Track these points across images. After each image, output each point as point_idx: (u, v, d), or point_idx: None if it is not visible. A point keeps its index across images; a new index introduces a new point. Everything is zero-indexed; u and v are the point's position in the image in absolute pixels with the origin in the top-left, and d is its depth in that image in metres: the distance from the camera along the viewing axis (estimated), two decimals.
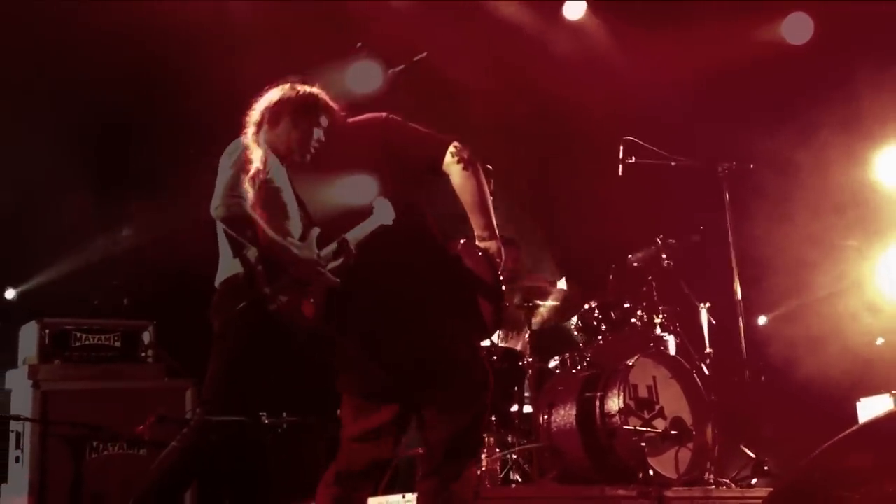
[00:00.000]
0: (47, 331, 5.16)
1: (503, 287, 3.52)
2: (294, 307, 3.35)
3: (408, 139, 3.55)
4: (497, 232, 3.56)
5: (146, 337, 5.38)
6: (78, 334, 5.23)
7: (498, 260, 3.51)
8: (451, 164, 3.49)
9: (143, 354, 5.33)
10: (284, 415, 5.84)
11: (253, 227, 3.34)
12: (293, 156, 3.63)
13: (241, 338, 3.46)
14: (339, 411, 3.63)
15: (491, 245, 3.51)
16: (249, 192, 3.40)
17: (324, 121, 3.62)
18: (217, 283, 3.59)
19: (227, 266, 3.52)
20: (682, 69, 7.49)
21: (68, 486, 4.47)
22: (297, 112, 3.61)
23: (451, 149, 3.50)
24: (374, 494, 4.62)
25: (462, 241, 3.53)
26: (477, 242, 3.53)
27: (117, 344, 5.29)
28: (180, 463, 3.67)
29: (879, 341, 6.37)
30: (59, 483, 4.66)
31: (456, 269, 3.45)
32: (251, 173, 3.43)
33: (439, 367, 3.38)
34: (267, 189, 3.50)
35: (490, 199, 3.55)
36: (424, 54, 3.77)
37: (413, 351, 3.36)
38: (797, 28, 7.73)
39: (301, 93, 3.64)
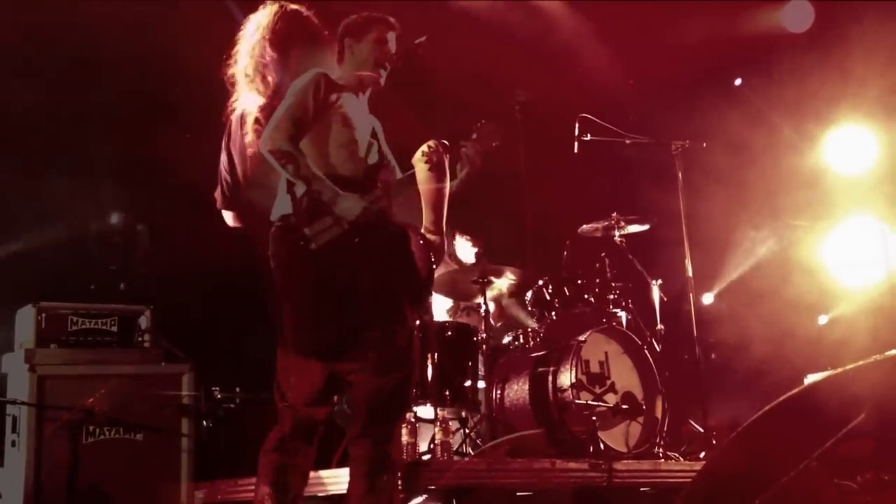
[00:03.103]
0: (43, 315, 5.09)
1: (431, 281, 3.70)
2: (334, 248, 3.37)
3: (393, 124, 3.70)
4: (444, 230, 3.75)
5: (143, 321, 5.32)
6: (74, 318, 5.16)
7: (436, 255, 3.69)
8: (419, 160, 3.69)
9: (140, 339, 5.29)
10: (238, 390, 5.87)
11: (294, 163, 3.37)
12: (367, 79, 3.70)
13: (277, 282, 3.50)
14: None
15: (434, 239, 3.70)
16: (305, 125, 3.44)
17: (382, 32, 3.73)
18: (271, 218, 3.59)
19: (281, 203, 3.52)
20: (637, 50, 7.53)
21: (65, 469, 4.51)
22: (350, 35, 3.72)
23: (424, 147, 3.69)
24: (326, 467, 4.65)
25: (409, 225, 3.65)
26: (423, 231, 3.70)
27: (114, 328, 5.24)
28: None
29: (822, 320, 6.50)
30: (56, 467, 4.64)
31: (400, 248, 3.55)
32: (317, 105, 3.47)
33: (368, 332, 3.45)
34: (334, 124, 3.53)
35: (446, 201, 3.70)
36: (424, 38, 3.80)
37: (348, 314, 3.41)
38: (797, 15, 7.56)
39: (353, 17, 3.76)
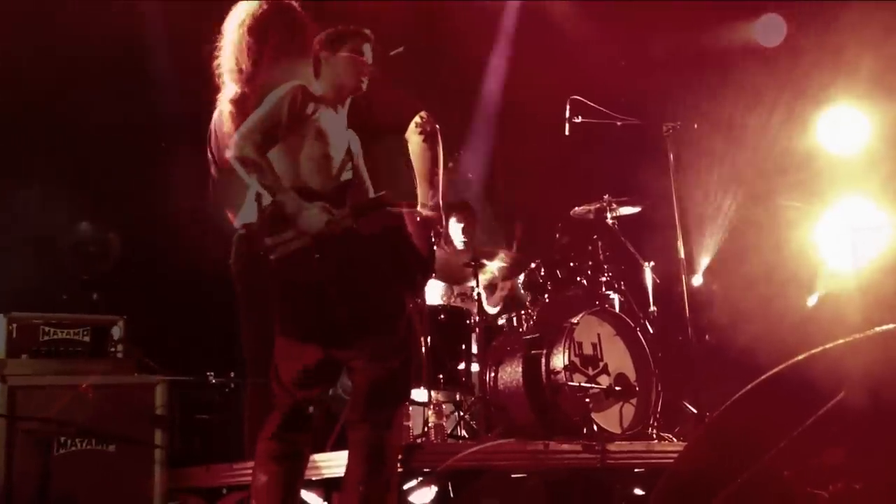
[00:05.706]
0: (14, 325, 5.05)
1: (433, 259, 3.64)
2: (294, 261, 3.34)
3: (385, 99, 3.64)
4: (441, 204, 3.68)
5: (116, 332, 5.29)
6: (46, 329, 5.10)
7: (435, 232, 3.64)
8: (413, 132, 3.67)
9: (113, 350, 5.26)
10: (232, 374, 5.88)
11: (259, 172, 3.33)
12: (346, 91, 3.61)
13: (239, 293, 3.48)
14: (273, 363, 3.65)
15: (432, 216, 3.64)
16: (275, 136, 3.39)
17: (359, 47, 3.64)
18: (235, 225, 3.57)
19: (247, 210, 3.49)
20: (630, 33, 7.51)
21: (36, 481, 4.47)
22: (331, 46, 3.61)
23: (417, 118, 3.66)
24: (320, 451, 4.66)
25: (406, 207, 3.61)
26: (419, 208, 3.63)
27: (86, 339, 5.19)
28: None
29: (812, 301, 6.50)
30: (27, 479, 4.60)
31: (396, 232, 3.53)
32: (290, 118, 3.41)
33: (367, 317, 3.44)
34: (307, 137, 3.48)
35: (441, 172, 3.66)
36: (401, 49, 3.78)
37: (346, 300, 3.40)
38: (770, 30, 7.41)
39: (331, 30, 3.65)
